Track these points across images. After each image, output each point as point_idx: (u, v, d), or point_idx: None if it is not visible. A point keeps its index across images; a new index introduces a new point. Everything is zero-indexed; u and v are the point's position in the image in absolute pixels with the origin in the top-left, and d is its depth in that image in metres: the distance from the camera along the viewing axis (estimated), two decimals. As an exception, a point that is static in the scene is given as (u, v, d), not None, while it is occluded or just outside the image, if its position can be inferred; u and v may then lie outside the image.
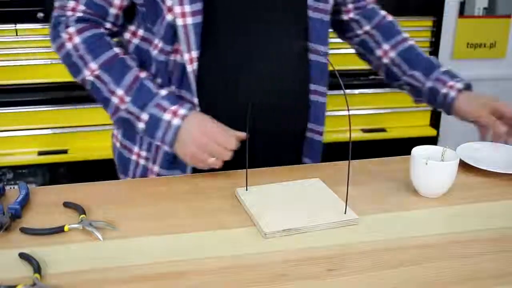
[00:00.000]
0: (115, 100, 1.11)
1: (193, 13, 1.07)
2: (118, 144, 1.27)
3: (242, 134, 1.08)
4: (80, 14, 1.12)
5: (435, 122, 2.75)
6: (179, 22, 1.07)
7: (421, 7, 2.65)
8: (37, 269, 0.80)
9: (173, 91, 1.13)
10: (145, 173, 1.22)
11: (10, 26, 2.21)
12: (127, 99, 1.10)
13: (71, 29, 1.12)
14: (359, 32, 1.33)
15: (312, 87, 1.21)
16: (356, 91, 2.60)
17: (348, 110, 1.00)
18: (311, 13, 1.15)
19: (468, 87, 1.25)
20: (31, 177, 2.35)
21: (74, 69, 1.14)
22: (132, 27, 1.18)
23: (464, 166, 1.11)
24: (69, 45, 1.13)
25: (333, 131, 2.43)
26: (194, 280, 0.81)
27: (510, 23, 2.91)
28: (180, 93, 1.14)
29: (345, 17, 1.33)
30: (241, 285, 0.80)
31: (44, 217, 0.97)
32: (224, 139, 1.07)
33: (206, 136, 1.07)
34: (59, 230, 0.92)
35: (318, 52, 1.18)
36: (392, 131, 2.72)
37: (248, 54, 1.13)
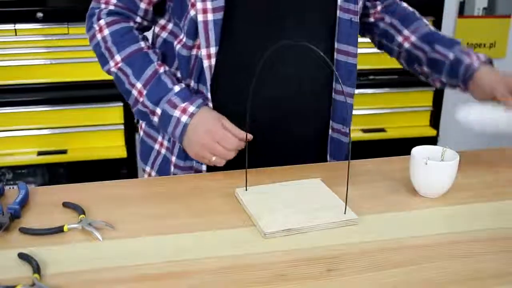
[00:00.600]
0: (134, 92, 1.15)
1: (214, 10, 1.08)
2: (141, 133, 1.31)
3: (248, 136, 1.09)
4: (112, 7, 1.17)
5: (435, 122, 2.75)
6: (200, 18, 1.08)
7: (420, 7, 2.63)
8: (37, 269, 0.80)
9: (190, 85, 1.16)
10: (165, 163, 1.23)
11: (10, 26, 2.21)
12: (144, 92, 1.14)
13: (102, 21, 1.17)
14: (382, 25, 1.33)
15: (338, 87, 1.21)
16: (356, 91, 2.60)
17: (348, 110, 0.99)
18: (340, 14, 1.15)
19: (490, 61, 1.25)
20: (31, 177, 2.35)
21: (102, 59, 1.19)
22: (162, 21, 1.21)
23: (464, 166, 1.10)
24: (99, 36, 1.17)
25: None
26: (194, 280, 0.81)
27: (510, 23, 2.91)
28: (198, 88, 1.16)
29: (372, 19, 1.33)
30: (241, 285, 0.80)
31: (43, 217, 0.96)
32: (225, 140, 1.09)
33: (209, 136, 1.10)
34: (59, 230, 0.92)
35: (345, 52, 1.18)
36: (392, 131, 2.72)
37: (274, 52, 1.12)
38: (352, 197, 1.03)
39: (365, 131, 2.66)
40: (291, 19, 1.13)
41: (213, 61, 1.11)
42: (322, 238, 0.92)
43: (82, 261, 0.85)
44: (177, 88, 1.13)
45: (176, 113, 1.12)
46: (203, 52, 1.10)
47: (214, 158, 1.11)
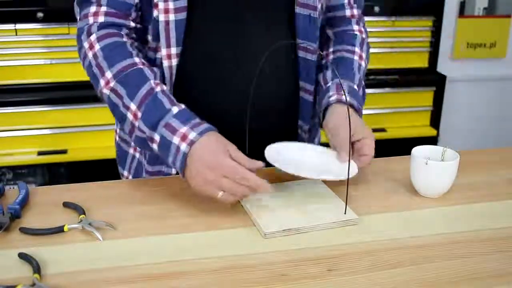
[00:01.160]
0: (130, 116, 1.01)
1: (177, 10, 1.06)
2: (117, 137, 1.28)
3: (259, 163, 0.97)
4: (102, 19, 1.06)
5: (435, 122, 2.75)
6: (161, 18, 1.06)
7: (421, 7, 2.65)
8: (37, 269, 0.80)
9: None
10: (140, 167, 1.22)
11: (10, 26, 2.21)
12: (139, 114, 1.00)
13: (93, 37, 1.05)
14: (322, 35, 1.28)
15: (301, 84, 1.21)
16: (356, 91, 2.60)
17: (348, 110, 0.99)
18: (298, 9, 1.14)
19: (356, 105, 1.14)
20: (31, 177, 2.35)
21: (93, 80, 1.06)
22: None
23: (464, 166, 1.10)
24: (90, 54, 1.06)
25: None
26: (194, 280, 0.81)
27: (510, 23, 2.91)
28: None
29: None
30: (241, 285, 0.80)
31: (43, 217, 0.96)
32: (235, 173, 0.93)
33: (214, 171, 0.93)
34: (59, 230, 0.92)
35: (305, 49, 1.17)
36: (392, 131, 2.72)
37: (231, 52, 1.12)
38: (352, 197, 1.03)
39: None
40: (252, 16, 1.12)
41: (174, 61, 1.09)
42: (322, 238, 0.92)
43: (82, 261, 0.85)
44: (175, 109, 0.99)
45: (175, 139, 0.96)
46: (163, 52, 1.08)
47: (220, 194, 0.94)
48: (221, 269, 0.83)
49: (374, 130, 2.73)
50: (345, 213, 0.98)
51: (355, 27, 1.27)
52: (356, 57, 1.23)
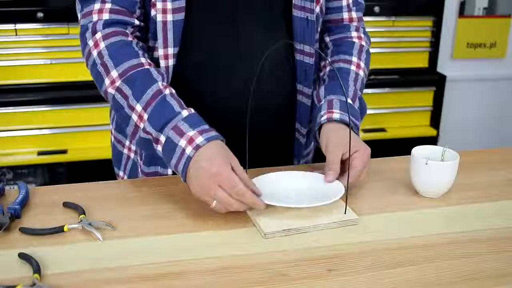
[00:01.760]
0: (134, 117, 1.00)
1: (174, 10, 1.06)
2: (112, 138, 1.28)
3: (259, 192, 0.95)
4: (107, 16, 1.04)
5: (435, 122, 2.75)
6: (159, 18, 1.05)
7: (421, 7, 2.65)
8: (37, 269, 0.80)
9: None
10: (135, 167, 1.22)
11: (10, 26, 2.21)
12: (145, 116, 0.98)
13: (98, 35, 1.03)
14: (321, 42, 1.27)
15: (298, 87, 1.20)
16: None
17: (348, 110, 0.99)
18: (295, 12, 1.13)
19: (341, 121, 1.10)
20: (31, 177, 2.35)
21: (98, 79, 1.04)
22: None
23: (464, 166, 1.10)
24: (94, 53, 1.04)
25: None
26: (194, 280, 0.81)
27: (510, 23, 2.91)
28: None
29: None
30: (241, 285, 0.80)
31: (43, 217, 0.96)
32: (231, 187, 0.92)
33: (212, 178, 0.92)
34: (59, 230, 0.92)
35: (302, 52, 1.17)
36: (392, 131, 2.72)
37: (229, 53, 1.12)
38: (352, 197, 1.03)
39: (365, 131, 2.66)
40: (249, 17, 1.12)
41: (170, 61, 1.09)
42: (322, 238, 0.92)
43: (82, 261, 0.85)
44: (185, 113, 0.98)
45: (182, 142, 0.95)
46: (160, 52, 1.08)
47: (214, 203, 0.94)
48: (221, 269, 0.83)
49: (374, 130, 2.75)
50: (345, 213, 0.98)
51: (354, 34, 1.24)
52: (353, 67, 1.20)
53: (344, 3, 1.23)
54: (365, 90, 2.68)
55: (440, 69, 2.77)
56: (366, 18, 1.33)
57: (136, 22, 1.08)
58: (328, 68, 1.22)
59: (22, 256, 0.84)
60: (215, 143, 0.96)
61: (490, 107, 3.07)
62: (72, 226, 0.92)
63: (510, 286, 0.82)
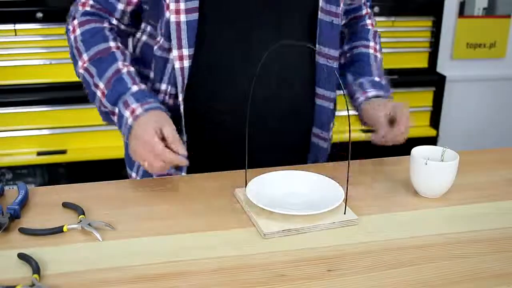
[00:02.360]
0: (98, 93, 1.12)
1: (188, 11, 1.06)
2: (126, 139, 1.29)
3: (183, 157, 1.02)
4: (88, 9, 1.15)
5: (434, 122, 2.75)
6: (172, 18, 1.07)
7: (420, 7, 2.65)
8: (36, 269, 0.80)
9: (162, 89, 1.15)
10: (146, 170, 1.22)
11: (9, 26, 2.21)
12: (106, 92, 1.11)
13: (76, 21, 1.15)
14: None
15: (319, 91, 1.20)
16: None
17: (348, 110, 0.99)
18: (322, 16, 1.14)
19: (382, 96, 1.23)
20: (30, 177, 2.34)
21: (73, 61, 1.16)
22: (142, 25, 1.20)
23: (464, 166, 1.10)
24: (71, 36, 1.15)
25: (333, 131, 2.43)
26: (194, 280, 0.81)
27: (510, 23, 2.91)
28: (169, 90, 1.15)
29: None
30: (241, 285, 0.80)
31: (43, 218, 0.96)
32: (157, 154, 1.01)
33: (142, 145, 1.03)
34: (58, 230, 0.92)
35: (327, 55, 1.17)
36: (392, 131, 2.71)
37: (244, 54, 1.12)
38: (352, 197, 1.03)
39: (365, 131, 2.65)
40: (267, 19, 1.12)
41: (185, 63, 1.10)
42: (322, 239, 0.92)
43: (82, 261, 0.85)
44: (135, 88, 1.10)
45: (126, 113, 1.08)
46: (174, 53, 1.09)
47: (146, 165, 1.03)
48: (221, 269, 0.83)
49: (374, 130, 2.74)
50: (345, 213, 0.98)
51: (368, 22, 1.33)
52: (371, 51, 1.29)
53: (362, 0, 1.33)
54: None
55: (440, 69, 2.77)
56: (366, 18, 1.34)
57: (114, 22, 1.17)
58: (348, 54, 1.30)
59: (22, 256, 0.84)
60: (152, 113, 1.06)
61: (490, 107, 3.07)
62: (72, 227, 0.92)
63: (511, 286, 0.82)
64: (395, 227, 0.96)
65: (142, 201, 1.04)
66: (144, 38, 1.20)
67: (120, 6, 1.15)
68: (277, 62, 1.13)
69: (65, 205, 1.00)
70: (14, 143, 2.30)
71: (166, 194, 1.06)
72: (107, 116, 1.15)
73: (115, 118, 1.12)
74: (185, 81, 1.12)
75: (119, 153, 2.31)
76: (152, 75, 1.17)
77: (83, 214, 0.96)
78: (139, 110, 1.07)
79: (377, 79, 1.25)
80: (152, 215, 0.99)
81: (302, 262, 0.86)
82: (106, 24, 1.16)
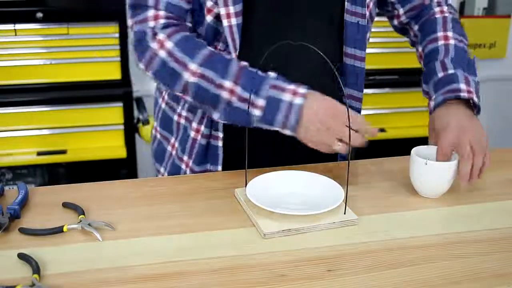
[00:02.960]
0: (224, 94, 1.03)
1: (237, 14, 1.07)
2: (158, 135, 1.29)
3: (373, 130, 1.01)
4: (163, 21, 1.07)
5: (435, 122, 2.75)
6: (225, 23, 1.07)
7: (421, 7, 2.65)
8: (36, 269, 0.80)
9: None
10: (177, 166, 1.23)
11: (10, 26, 2.20)
12: (237, 88, 1.02)
13: (161, 36, 1.06)
14: (410, 32, 1.31)
15: (347, 90, 1.20)
16: (356, 91, 2.60)
17: (348, 110, 0.99)
18: (347, 17, 1.14)
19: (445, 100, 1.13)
20: (30, 177, 2.34)
21: (172, 77, 1.07)
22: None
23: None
24: (162, 53, 1.06)
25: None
26: (194, 280, 0.81)
27: (510, 23, 2.91)
28: None
29: (396, 22, 1.31)
30: (241, 285, 0.80)
31: (43, 218, 0.96)
32: (354, 122, 0.97)
33: (334, 119, 0.99)
34: (58, 230, 0.92)
35: (353, 56, 1.17)
36: (392, 131, 2.71)
37: (282, 56, 1.12)
38: (352, 197, 1.03)
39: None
40: (300, 22, 1.13)
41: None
42: (322, 239, 0.92)
43: (82, 261, 0.85)
44: (272, 74, 1.04)
45: (286, 96, 1.00)
46: (233, 56, 1.09)
47: (340, 146, 0.99)
48: (221, 269, 0.83)
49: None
50: (344, 213, 0.98)
51: (436, 9, 1.24)
52: (440, 42, 1.18)
53: None
54: (366, 90, 2.67)
55: (440, 69, 2.77)
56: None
57: (189, 25, 1.12)
58: (422, 57, 1.22)
59: (22, 256, 0.84)
60: (314, 91, 1.02)
61: (490, 107, 3.07)
62: (72, 227, 0.92)
63: (511, 286, 0.82)
64: (395, 227, 0.96)
65: (142, 201, 1.04)
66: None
67: (187, 6, 1.10)
68: (303, 66, 1.14)
69: (65, 205, 1.00)
70: (14, 143, 2.30)
71: (166, 194, 1.06)
72: (238, 115, 1.04)
73: (256, 112, 1.02)
74: None
75: (119, 153, 2.33)
76: None
77: (83, 214, 0.96)
78: (302, 90, 1.01)
79: (441, 74, 1.14)
80: (152, 215, 0.99)
81: (302, 262, 0.86)
82: (188, 31, 1.10)
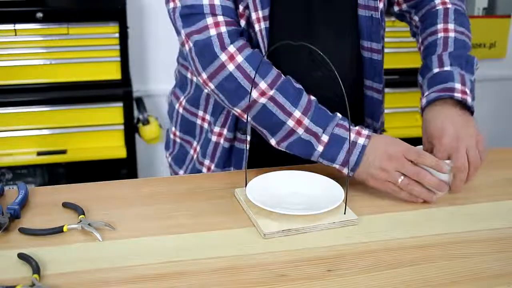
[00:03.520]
0: (290, 123, 1.03)
1: (264, 18, 1.08)
2: (177, 139, 1.30)
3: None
4: (225, 29, 1.05)
5: (435, 122, 2.75)
6: (257, 27, 1.08)
7: (421, 7, 2.65)
8: (36, 269, 0.80)
9: None
10: (195, 168, 1.24)
11: (9, 26, 2.20)
12: (306, 120, 1.03)
13: (232, 48, 1.04)
14: (413, 24, 1.30)
15: (367, 82, 1.21)
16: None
17: (348, 110, 0.99)
18: (360, 11, 1.15)
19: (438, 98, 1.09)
20: (30, 177, 2.34)
21: (238, 93, 1.05)
22: None
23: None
24: (231, 67, 1.04)
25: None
26: (194, 280, 0.81)
27: (510, 23, 2.91)
28: None
29: (396, 9, 1.30)
30: (241, 285, 0.80)
31: (43, 218, 0.96)
32: (413, 170, 1.00)
33: (392, 161, 1.01)
34: (58, 230, 0.92)
35: (370, 49, 1.18)
36: (392, 131, 2.71)
37: (304, 58, 1.14)
38: (352, 197, 1.03)
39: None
40: (321, 20, 1.14)
41: None
42: (322, 239, 0.92)
43: (82, 261, 0.85)
44: (339, 114, 1.06)
45: (351, 136, 1.02)
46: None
47: (404, 194, 1.02)
48: (221, 269, 0.83)
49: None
50: (344, 213, 0.98)
51: (437, 1, 1.22)
52: (440, 35, 1.17)
53: None
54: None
55: (440, 69, 2.77)
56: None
57: (240, 28, 1.10)
58: (422, 49, 1.21)
59: (22, 256, 0.84)
60: (376, 134, 1.05)
61: (490, 107, 3.07)
62: (72, 227, 0.92)
63: (511, 286, 0.82)
64: (395, 227, 0.96)
65: (143, 201, 1.04)
66: None
67: (232, 5, 1.08)
68: (325, 64, 1.13)
69: (65, 205, 1.00)
70: (14, 143, 2.30)
71: (166, 194, 1.06)
72: (302, 146, 1.04)
73: (319, 147, 1.03)
74: None
75: (119, 153, 2.32)
76: None
77: (83, 214, 0.96)
78: (366, 131, 1.04)
79: (436, 70, 1.12)
80: (152, 215, 0.99)
81: (302, 262, 0.86)
82: (249, 44, 1.08)
